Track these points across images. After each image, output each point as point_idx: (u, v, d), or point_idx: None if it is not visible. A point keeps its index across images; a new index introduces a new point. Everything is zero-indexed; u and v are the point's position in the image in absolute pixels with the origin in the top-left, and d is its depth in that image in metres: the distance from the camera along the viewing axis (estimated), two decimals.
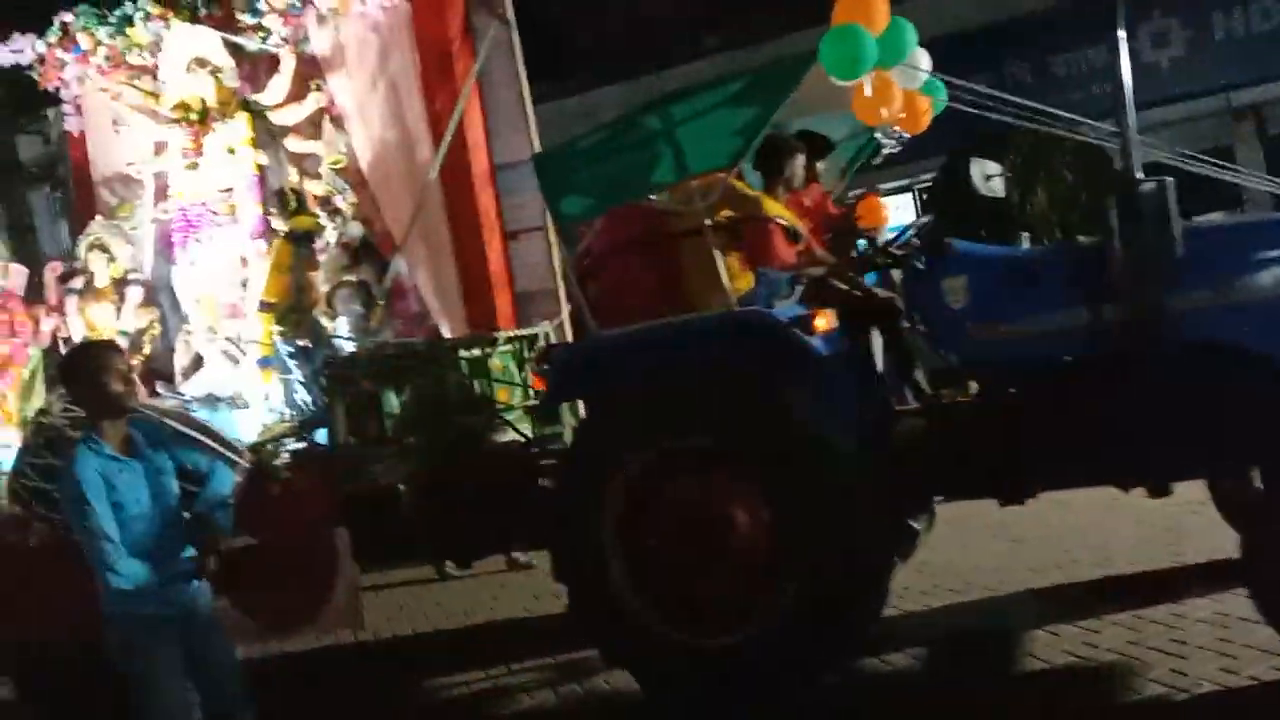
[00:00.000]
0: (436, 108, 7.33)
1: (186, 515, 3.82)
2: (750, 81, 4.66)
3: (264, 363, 6.44)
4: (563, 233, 5.13)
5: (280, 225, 6.59)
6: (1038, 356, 4.52)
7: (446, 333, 7.20)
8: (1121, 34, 4.44)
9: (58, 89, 8.77)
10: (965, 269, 4.83)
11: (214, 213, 7.48)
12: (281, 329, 6.34)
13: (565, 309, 7.57)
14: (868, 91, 4.68)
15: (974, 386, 4.99)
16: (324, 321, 6.46)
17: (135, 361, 8.09)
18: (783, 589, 4.31)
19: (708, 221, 4.77)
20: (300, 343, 6.25)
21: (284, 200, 6.59)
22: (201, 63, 7.46)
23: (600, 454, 4.77)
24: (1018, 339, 4.62)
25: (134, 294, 8.08)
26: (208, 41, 7.43)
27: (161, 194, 8.44)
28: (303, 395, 6.14)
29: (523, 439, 6.59)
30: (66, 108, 8.79)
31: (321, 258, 6.83)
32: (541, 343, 7.34)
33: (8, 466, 6.96)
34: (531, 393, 6.68)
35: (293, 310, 6.32)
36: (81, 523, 3.63)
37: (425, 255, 7.26)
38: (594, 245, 5.10)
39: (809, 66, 4.62)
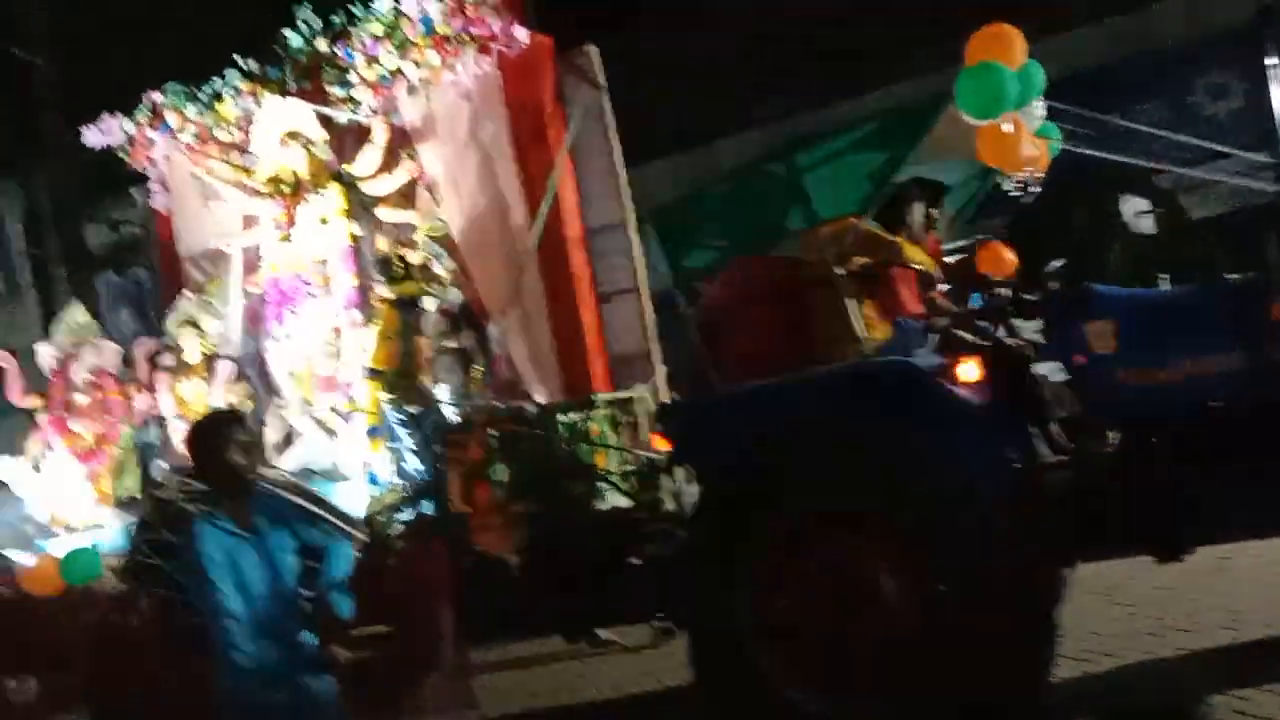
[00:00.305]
0: (530, 174, 7.28)
1: (304, 593, 3.69)
2: (880, 126, 4.56)
3: (372, 432, 6.32)
4: (681, 286, 4.96)
5: (386, 292, 6.52)
6: (1194, 401, 4.30)
7: (539, 399, 7.06)
8: (1271, 61, 4.28)
9: (144, 168, 8.89)
10: (1111, 312, 4.63)
11: (307, 284, 7.44)
12: (390, 396, 6.22)
13: (660, 371, 7.43)
14: (1006, 129, 4.53)
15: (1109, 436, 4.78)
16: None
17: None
18: (935, 655, 4.08)
19: (840, 269, 4.65)
20: (410, 410, 6.12)
21: (390, 267, 6.53)
22: (294, 135, 7.49)
23: (731, 517, 4.59)
24: (1173, 384, 4.41)
25: (224, 369, 8.03)
26: (299, 115, 7.46)
27: (250, 269, 8.49)
28: (413, 464, 6.00)
29: (627, 506, 6.44)
30: (154, 186, 8.88)
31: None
32: (638, 406, 7.20)
33: (104, 548, 6.92)
34: (629, 457, 6.51)
35: (401, 377, 6.21)
36: (205, 601, 3.50)
37: (518, 322, 7.16)
38: (717, 298, 4.96)
39: (941, 110, 4.51)
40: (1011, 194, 5.64)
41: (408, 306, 6.34)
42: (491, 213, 7.32)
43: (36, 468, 7.79)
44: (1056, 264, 5.15)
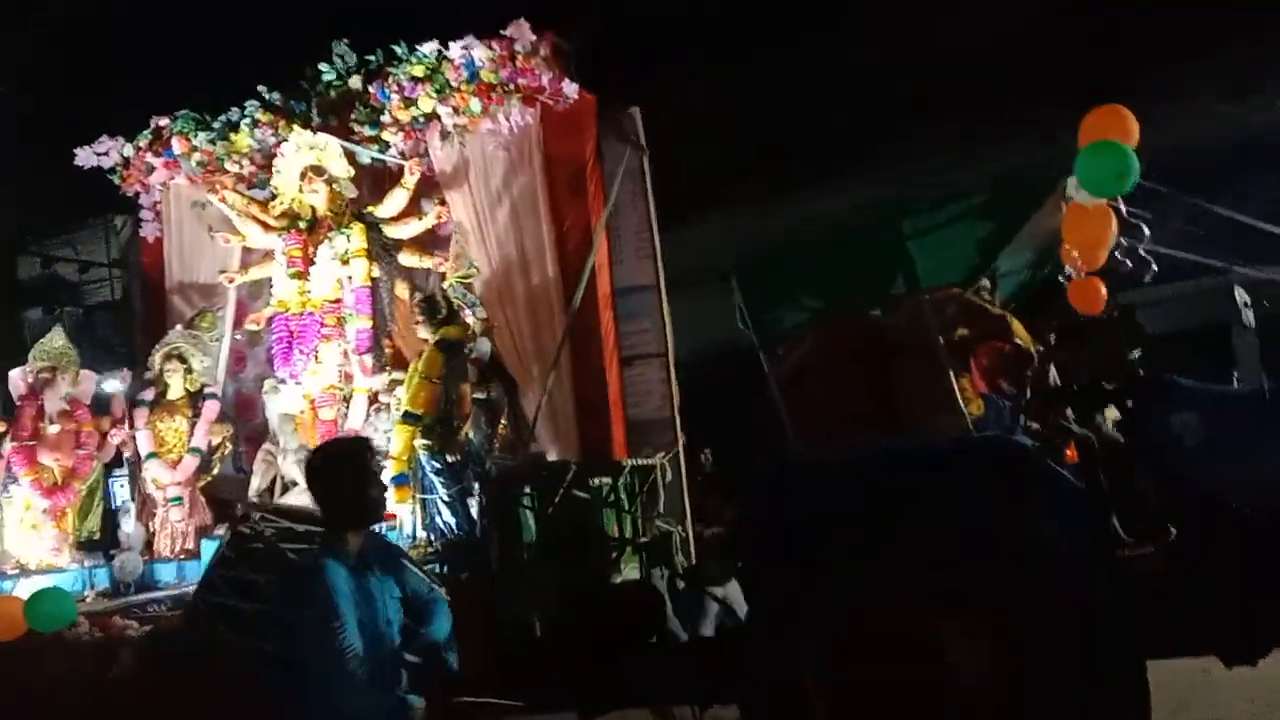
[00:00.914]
0: (562, 230, 7.10)
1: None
2: (993, 198, 4.51)
3: (400, 480, 5.88)
4: (764, 343, 4.79)
5: (426, 333, 6.17)
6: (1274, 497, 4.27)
7: (551, 458, 6.75)
8: None
9: (137, 194, 8.44)
10: (1197, 405, 4.62)
11: (322, 324, 7.04)
12: (427, 444, 5.83)
13: (680, 440, 7.20)
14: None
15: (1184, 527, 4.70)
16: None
17: (201, 483, 7.51)
18: None
19: (941, 338, 4.55)
20: (449, 459, 5.74)
21: (435, 307, 6.20)
22: (318, 171, 7.19)
23: (807, 591, 4.36)
24: (1260, 478, 4.38)
25: (210, 409, 7.53)
26: (328, 150, 7.18)
27: (242, 308, 8.07)
28: (446, 517, 5.59)
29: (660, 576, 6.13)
30: (145, 213, 8.43)
31: None
32: (658, 475, 6.94)
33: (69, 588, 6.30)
34: (642, 528, 6.23)
35: (440, 424, 5.84)
36: (328, 640, 3.12)
37: (539, 378, 6.88)
38: (801, 358, 4.80)
39: (1056, 185, 4.51)
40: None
41: (452, 350, 5.99)
42: (519, 265, 7.09)
43: None
44: (1135, 354, 5.14)
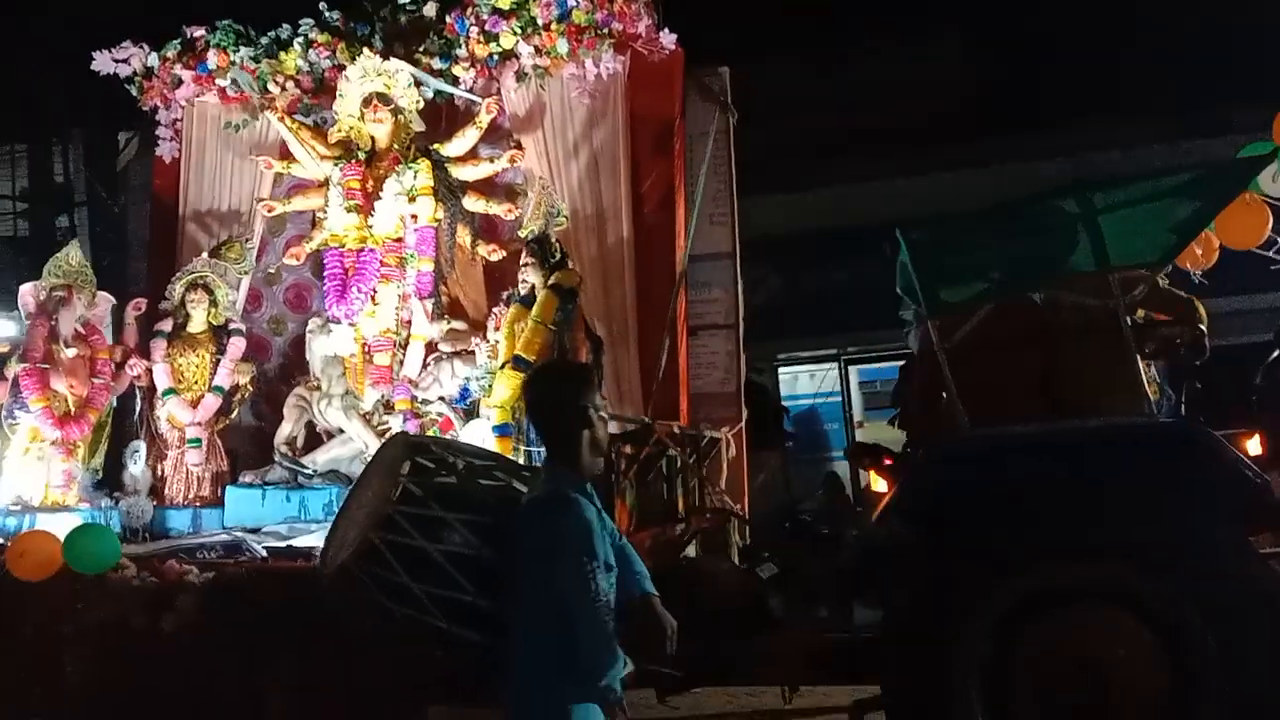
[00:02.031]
0: (644, 188, 6.76)
1: None
2: (1194, 179, 4.41)
3: (503, 430, 5.44)
4: (933, 318, 4.59)
5: (533, 276, 5.75)
6: None
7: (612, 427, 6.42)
8: None
9: (155, 109, 7.74)
10: None
11: (382, 263, 6.51)
12: None
13: (744, 415, 6.97)
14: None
15: None
16: None
17: (219, 426, 6.93)
18: None
19: (1129, 320, 4.43)
20: None
21: (547, 250, 5.78)
22: (384, 99, 6.67)
23: (970, 580, 4.19)
24: None
25: (237, 345, 6.93)
26: (398, 78, 6.67)
27: (264, 243, 7.50)
28: None
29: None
30: (163, 131, 7.73)
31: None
32: (722, 450, 6.70)
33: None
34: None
35: None
36: (588, 592, 2.78)
37: (606, 340, 6.52)
38: (976, 332, 4.62)
39: (1259, 171, 4.44)
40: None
41: (568, 296, 5.60)
42: (593, 222, 6.73)
43: None
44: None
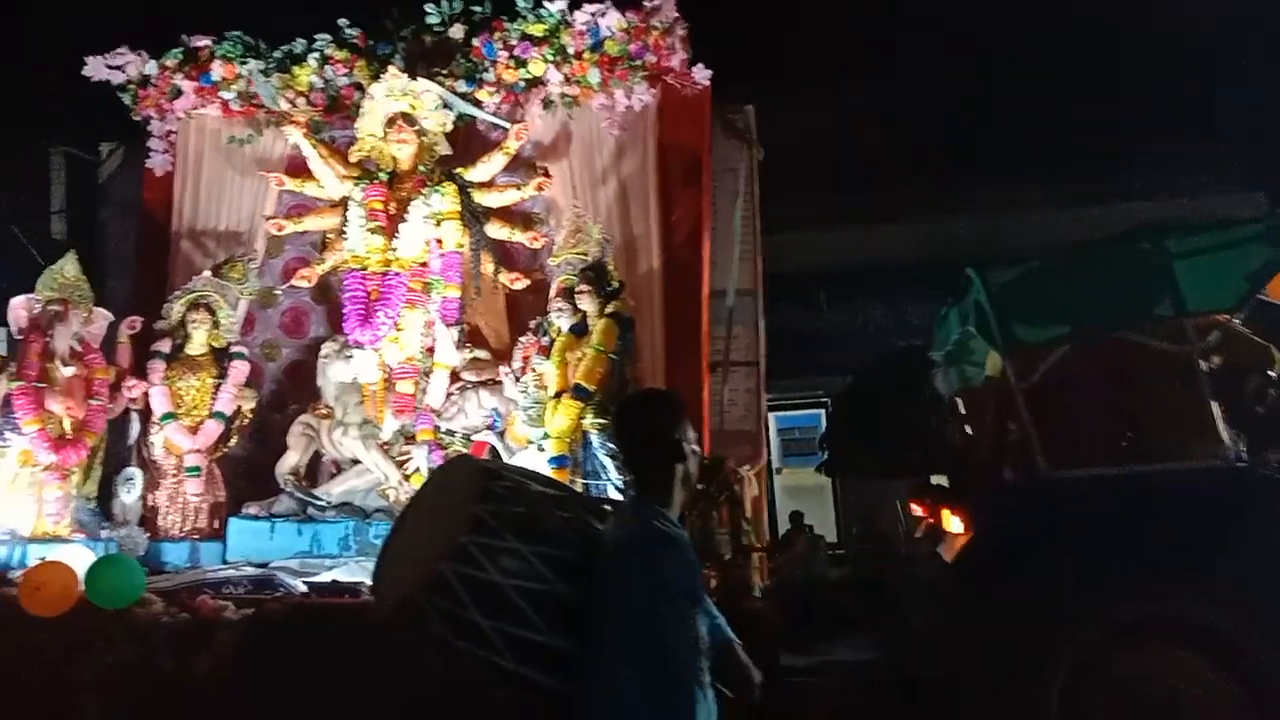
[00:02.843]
0: (672, 220, 6.69)
1: None
2: (1268, 229, 4.56)
3: (560, 462, 5.24)
4: (1009, 357, 4.64)
5: (587, 305, 5.59)
6: None
7: None
8: None
9: (148, 120, 7.36)
10: None
11: (410, 289, 6.27)
12: (603, 423, 5.25)
13: (765, 455, 6.92)
14: None
15: None
16: None
17: (217, 454, 6.56)
18: None
19: (1205, 365, 4.54)
20: None
21: (604, 277, 5.63)
22: (410, 120, 6.48)
23: (1053, 618, 4.22)
24: None
25: (239, 369, 6.58)
26: (425, 98, 6.49)
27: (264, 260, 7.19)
28: None
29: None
30: (155, 143, 7.36)
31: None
32: (743, 489, 6.63)
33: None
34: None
35: (614, 402, 5.29)
36: (689, 637, 2.65)
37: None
38: (1051, 374, 4.67)
39: None
40: None
41: (627, 325, 5.46)
42: (620, 253, 6.60)
43: None
44: None
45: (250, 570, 5.33)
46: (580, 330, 5.63)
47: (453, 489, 3.26)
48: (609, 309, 5.52)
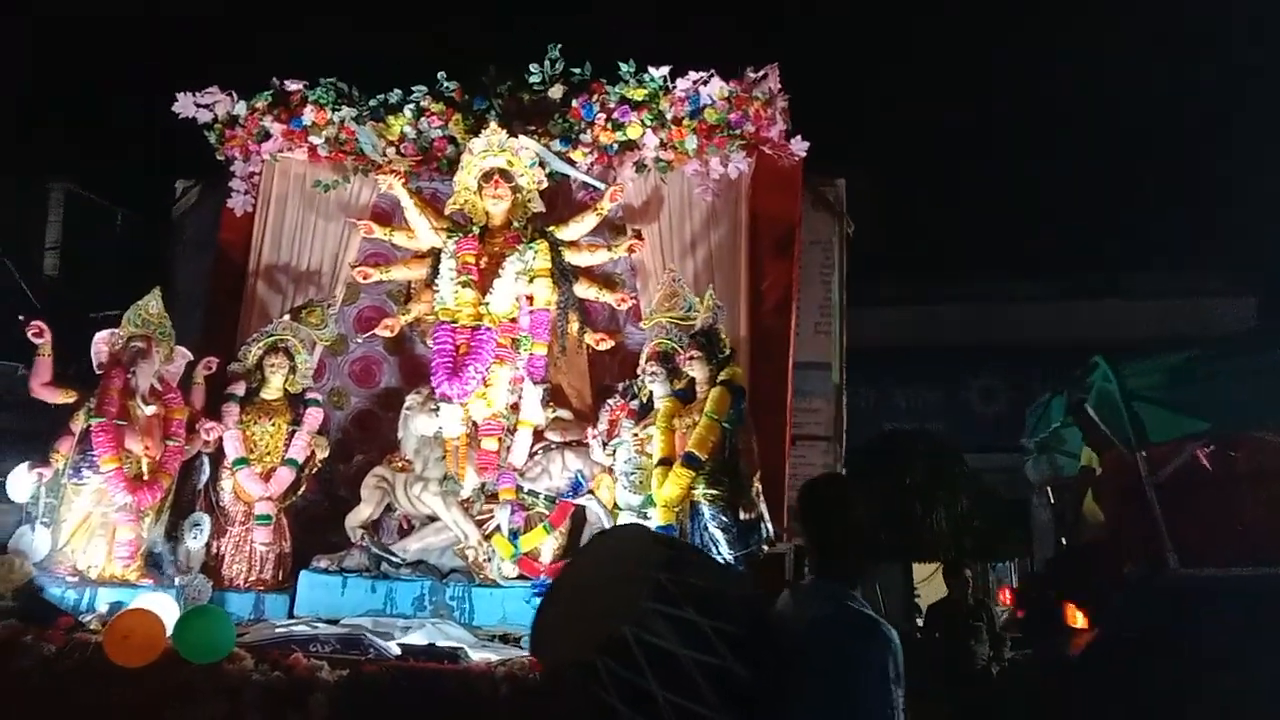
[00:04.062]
0: (762, 289, 6.63)
1: None
2: None
3: (666, 532, 5.07)
4: (1138, 450, 4.55)
5: (697, 372, 5.49)
6: None
7: None
8: None
9: (230, 160, 7.32)
10: None
11: (500, 344, 6.17)
12: (715, 494, 5.11)
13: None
14: None
15: None
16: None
17: (286, 503, 6.40)
18: None
19: None
20: (744, 516, 5.05)
21: (715, 342, 5.55)
22: (506, 176, 6.45)
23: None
24: None
25: (314, 416, 6.45)
26: (525, 155, 6.47)
27: (346, 304, 7.09)
28: None
29: None
30: (237, 183, 7.30)
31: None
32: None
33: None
34: None
35: (726, 473, 5.17)
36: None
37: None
38: (1187, 471, 4.57)
39: None
40: None
41: (740, 394, 5.36)
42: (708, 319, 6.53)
43: (55, 490, 5.70)
44: None
45: (337, 629, 5.12)
46: (684, 396, 5.52)
47: (627, 555, 3.16)
48: (721, 376, 5.41)
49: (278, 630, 5.14)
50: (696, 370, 5.52)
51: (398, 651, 4.75)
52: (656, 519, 5.19)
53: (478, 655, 4.77)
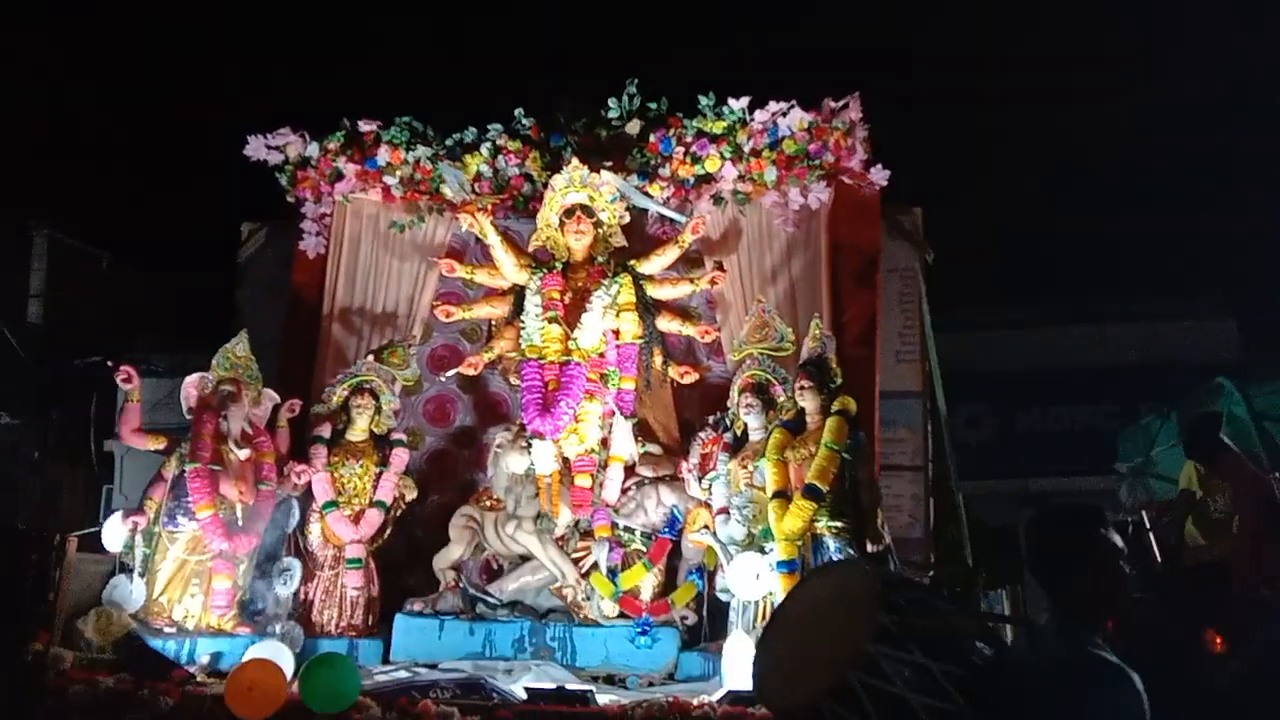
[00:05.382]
0: (844, 320, 6.58)
1: None
2: None
3: (789, 567, 5.00)
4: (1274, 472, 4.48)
5: (808, 402, 5.44)
6: None
7: None
8: None
9: (300, 201, 7.29)
10: None
11: (589, 379, 6.12)
12: (839, 526, 5.03)
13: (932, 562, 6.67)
14: None
15: None
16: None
17: (373, 546, 6.31)
18: None
19: None
20: (870, 548, 4.97)
21: (826, 372, 5.50)
22: (588, 212, 6.43)
23: None
24: None
25: (400, 457, 6.38)
26: (602, 191, 6.46)
27: (420, 343, 7.04)
28: None
29: None
30: (309, 225, 7.27)
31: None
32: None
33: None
34: None
35: (847, 505, 5.10)
36: None
37: None
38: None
39: None
40: None
41: (855, 423, 5.30)
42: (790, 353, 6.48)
43: (149, 539, 5.62)
44: None
45: (447, 673, 5.03)
46: (793, 427, 5.46)
47: (847, 596, 3.08)
48: (835, 406, 5.35)
49: (384, 677, 5.05)
50: (807, 400, 5.46)
51: (523, 695, 4.65)
52: (776, 553, 5.11)
53: (603, 699, 4.67)
